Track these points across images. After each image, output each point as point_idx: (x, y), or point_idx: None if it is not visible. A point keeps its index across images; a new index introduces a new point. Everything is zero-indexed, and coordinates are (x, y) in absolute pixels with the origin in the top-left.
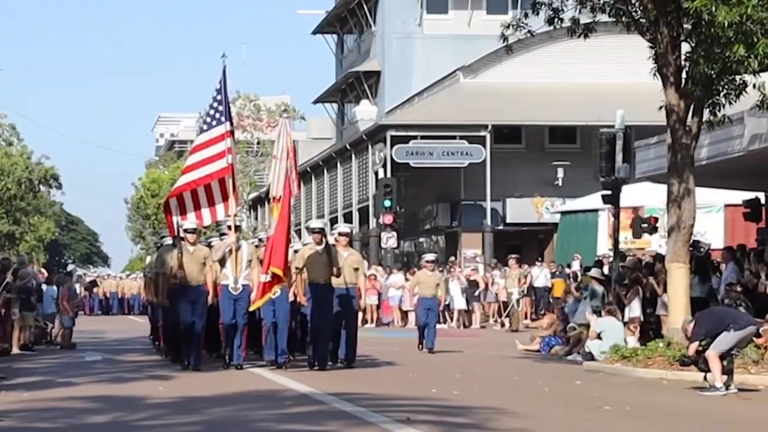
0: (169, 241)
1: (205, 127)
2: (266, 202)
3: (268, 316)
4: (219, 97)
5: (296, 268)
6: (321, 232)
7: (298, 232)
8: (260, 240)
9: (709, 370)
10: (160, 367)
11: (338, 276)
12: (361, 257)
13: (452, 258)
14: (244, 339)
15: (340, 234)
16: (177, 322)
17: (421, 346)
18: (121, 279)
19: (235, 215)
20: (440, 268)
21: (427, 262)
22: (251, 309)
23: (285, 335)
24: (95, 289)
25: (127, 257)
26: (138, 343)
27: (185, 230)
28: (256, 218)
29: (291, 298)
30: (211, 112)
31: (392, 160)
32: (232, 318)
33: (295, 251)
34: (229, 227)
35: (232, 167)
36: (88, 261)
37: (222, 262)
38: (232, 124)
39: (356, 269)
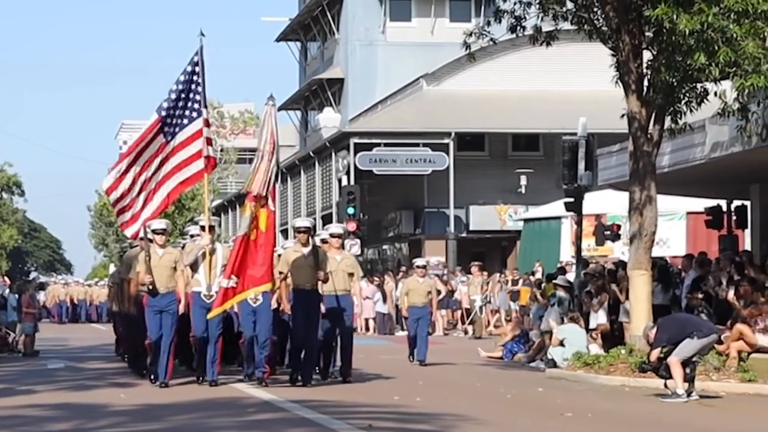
0: (136, 243)
1: (186, 121)
2: (238, 205)
3: (248, 328)
4: (198, 80)
5: (279, 272)
6: (307, 231)
7: None
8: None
9: (669, 377)
10: (123, 375)
11: (325, 281)
12: (355, 261)
13: None
14: (218, 352)
15: (332, 235)
16: (142, 333)
17: (411, 357)
18: (90, 286)
19: (210, 214)
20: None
21: (418, 267)
22: (209, 317)
23: (266, 349)
24: (44, 293)
25: (90, 264)
26: (101, 351)
27: (153, 231)
28: (220, 225)
29: (274, 305)
30: (190, 104)
31: (355, 167)
32: (205, 329)
33: (278, 255)
34: (203, 228)
35: (215, 160)
36: (51, 268)
37: (194, 266)
38: (206, 108)
39: (351, 274)
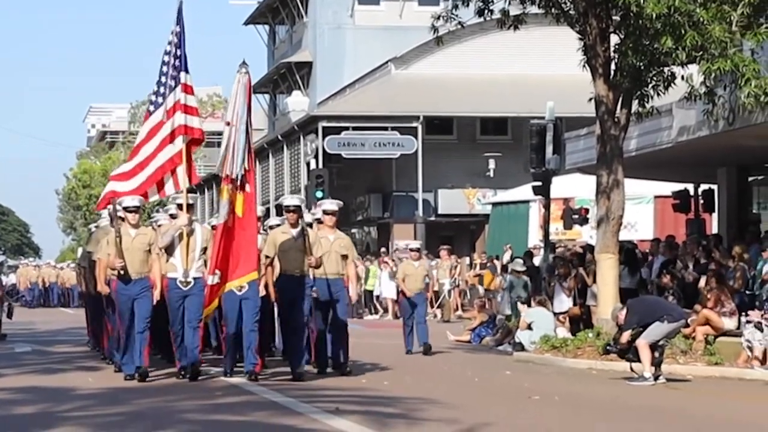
0: (105, 222)
1: (160, 99)
2: (208, 187)
3: (233, 319)
4: (177, 41)
5: (266, 257)
6: (297, 211)
7: None
8: (213, 227)
9: (635, 360)
10: (90, 359)
11: (317, 267)
12: (350, 241)
13: (383, 249)
14: (199, 341)
15: (325, 212)
16: (111, 322)
17: (409, 350)
18: (61, 269)
19: (188, 191)
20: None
21: (412, 250)
22: (204, 319)
23: (254, 341)
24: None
25: (58, 248)
26: (69, 335)
27: (125, 209)
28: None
29: (261, 292)
30: (172, 71)
31: (324, 151)
32: (182, 319)
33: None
34: (180, 206)
35: (201, 132)
36: (19, 252)
37: (170, 249)
38: (188, 71)
39: (345, 256)
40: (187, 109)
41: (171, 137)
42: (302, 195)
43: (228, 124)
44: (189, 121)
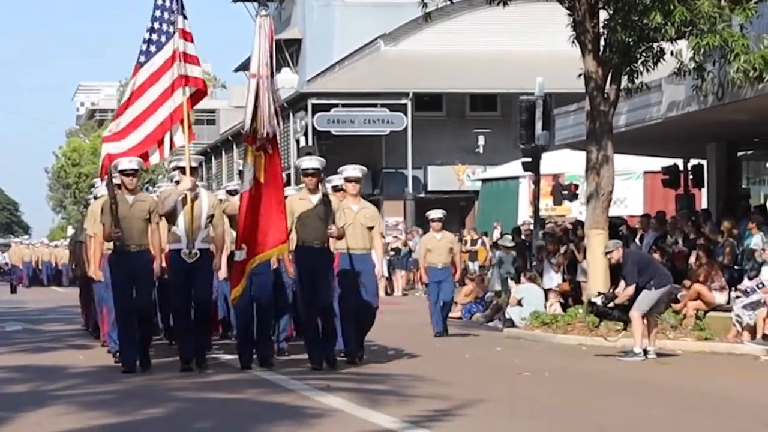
0: (102, 192)
1: (153, 48)
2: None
3: (243, 294)
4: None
5: None
6: (316, 174)
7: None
8: (229, 192)
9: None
10: (81, 337)
11: (340, 237)
12: (376, 212)
13: None
14: (209, 323)
15: (347, 179)
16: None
17: (438, 332)
18: (55, 247)
19: (192, 153)
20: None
21: (433, 220)
22: (232, 301)
23: (270, 318)
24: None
25: (48, 227)
26: (59, 313)
27: (121, 172)
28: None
29: (275, 265)
30: (167, 15)
31: (314, 128)
32: (186, 297)
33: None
34: (183, 169)
35: (203, 83)
36: (8, 230)
37: (172, 217)
38: (185, 17)
39: (371, 228)
40: (187, 58)
41: (171, 90)
42: (293, 171)
43: (253, 76)
44: (190, 71)
